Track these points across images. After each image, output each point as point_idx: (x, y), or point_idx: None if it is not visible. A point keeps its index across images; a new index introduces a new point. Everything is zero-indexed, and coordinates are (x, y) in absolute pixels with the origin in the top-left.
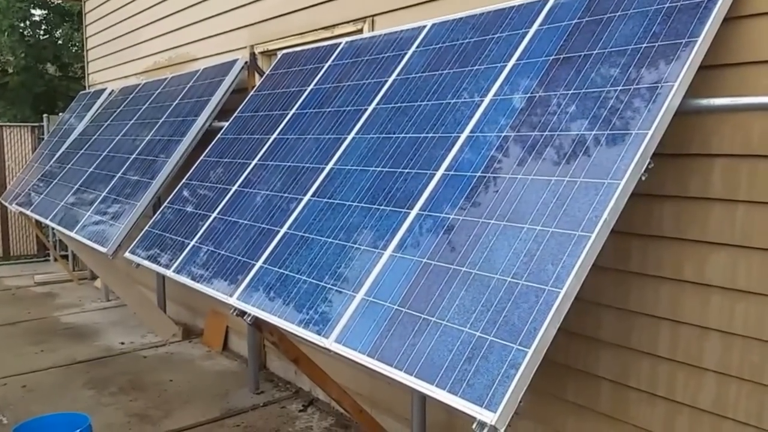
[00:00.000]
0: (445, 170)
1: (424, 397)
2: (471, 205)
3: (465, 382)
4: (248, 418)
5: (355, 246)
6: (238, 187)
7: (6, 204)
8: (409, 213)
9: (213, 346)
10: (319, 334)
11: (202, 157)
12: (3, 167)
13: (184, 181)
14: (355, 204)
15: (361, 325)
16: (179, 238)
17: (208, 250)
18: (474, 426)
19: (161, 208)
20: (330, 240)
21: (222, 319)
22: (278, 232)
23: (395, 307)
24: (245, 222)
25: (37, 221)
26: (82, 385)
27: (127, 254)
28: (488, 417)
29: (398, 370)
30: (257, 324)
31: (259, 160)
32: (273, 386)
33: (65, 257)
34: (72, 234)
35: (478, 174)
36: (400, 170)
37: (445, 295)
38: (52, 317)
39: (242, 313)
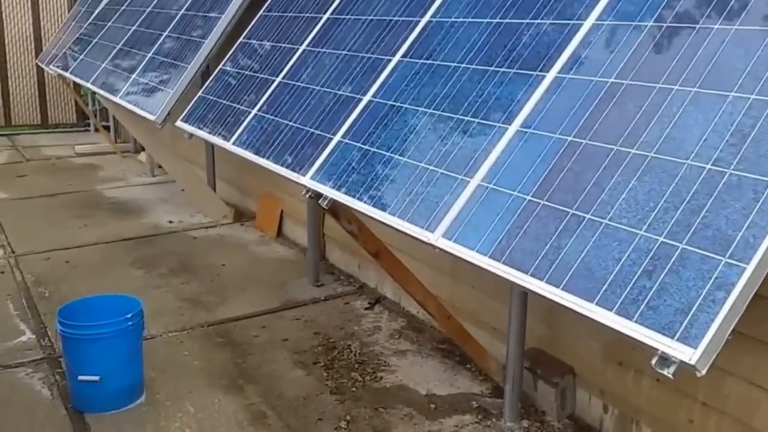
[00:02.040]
0: (598, 18)
1: (524, 307)
2: (641, 65)
3: (643, 303)
4: (308, 312)
5: (466, 119)
6: (308, 46)
7: (43, 66)
8: (544, 77)
9: (267, 232)
10: (423, 228)
11: (261, 12)
12: (38, 27)
13: (241, 40)
14: (463, 66)
15: (480, 219)
16: (239, 106)
17: (273, 120)
18: (654, 361)
19: (216, 72)
20: (429, 111)
21: (276, 202)
22: (360, 100)
23: (528, 198)
24: (318, 88)
25: (76, 87)
26: (129, 263)
27: (178, 123)
28: (683, 353)
29: (537, 279)
30: (335, 210)
31: (332, 13)
32: (334, 279)
33: (107, 127)
34: (116, 99)
35: (650, 23)
36: (528, 21)
37: (605, 185)
38: (94, 191)
39: (317, 195)
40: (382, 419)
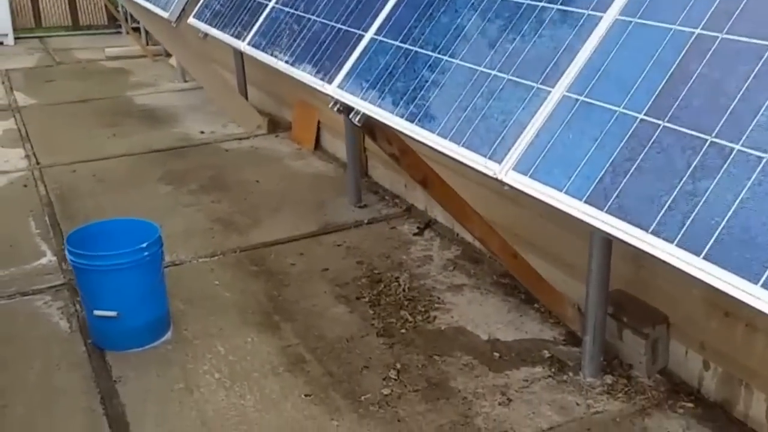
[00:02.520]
0: None
1: (609, 246)
2: None
3: None
4: (351, 237)
5: (541, 4)
6: None
7: None
8: None
9: (303, 144)
10: (485, 156)
11: None
12: None
13: None
14: None
15: (567, 146)
16: None
17: (293, 14)
18: None
19: None
20: None
21: (312, 112)
22: None
23: (639, 116)
24: None
25: None
26: (157, 178)
27: (190, 20)
28: None
29: (663, 240)
30: (369, 127)
31: None
32: (378, 199)
33: (137, 30)
34: None
35: None
36: None
37: (762, 101)
38: (124, 97)
39: (347, 109)
40: (437, 369)
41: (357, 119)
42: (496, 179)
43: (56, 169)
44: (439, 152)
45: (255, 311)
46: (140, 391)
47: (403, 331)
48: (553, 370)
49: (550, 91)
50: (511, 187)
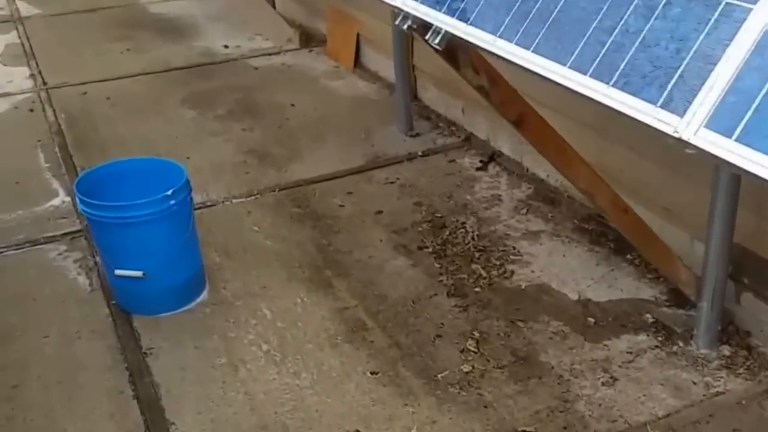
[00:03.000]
0: None
1: (735, 195)
2: None
3: None
4: (404, 173)
5: None
6: None
7: None
8: None
9: (341, 61)
10: (653, 104)
11: None
12: None
13: None
14: None
15: None
16: None
17: None
18: None
19: None
20: None
21: (351, 23)
22: None
23: None
24: None
25: None
26: (180, 101)
27: None
28: None
29: None
30: (452, 51)
31: None
32: (431, 127)
33: None
34: None
35: None
36: None
37: None
38: (138, 5)
39: (422, 26)
40: (523, 338)
41: (436, 40)
42: (678, 138)
43: (65, 91)
44: (581, 95)
45: (302, 264)
46: (175, 367)
47: (477, 289)
48: (659, 338)
49: (750, 9)
50: (702, 150)
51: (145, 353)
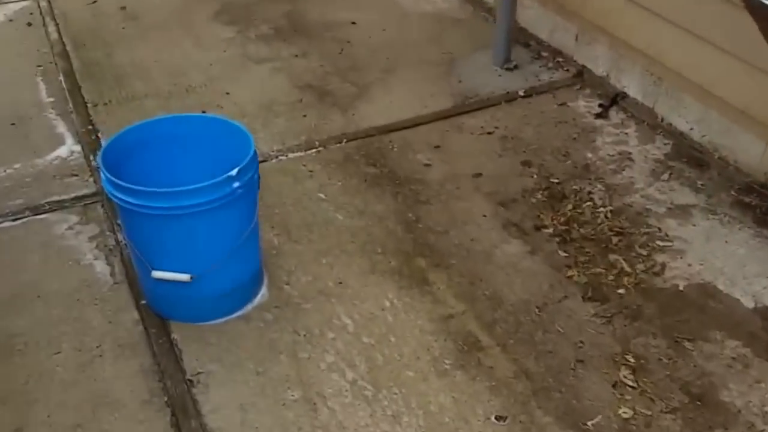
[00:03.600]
0: None
1: None
2: None
3: None
4: (503, 119)
5: None
6: None
7: None
8: None
9: None
10: None
11: None
12: None
13: None
14: None
15: None
16: None
17: None
18: None
19: None
20: None
21: None
22: None
23: None
24: None
25: None
26: (213, 15)
27: None
28: None
29: None
30: None
31: None
32: (531, 57)
33: None
34: None
35: None
36: None
37: None
38: None
39: None
40: (692, 366)
41: None
42: None
43: None
44: None
45: (386, 249)
46: (233, 403)
47: (620, 290)
48: None
49: None
50: None
51: (190, 381)
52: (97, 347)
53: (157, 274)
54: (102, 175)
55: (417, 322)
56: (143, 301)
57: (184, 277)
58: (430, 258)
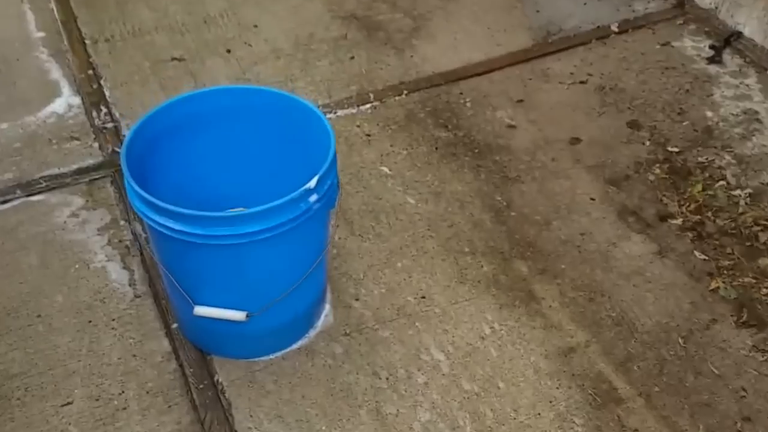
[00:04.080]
0: None
1: None
2: None
3: None
4: (597, 63)
5: None
6: None
7: None
8: None
9: None
10: None
11: None
12: None
13: None
14: None
15: None
16: None
17: None
18: None
19: None
20: None
21: None
22: None
23: None
24: None
25: None
26: None
27: None
28: None
29: None
30: None
31: None
32: None
33: None
34: None
35: None
36: None
37: None
38: None
39: None
40: None
41: None
42: None
43: None
44: None
45: (474, 246)
46: None
47: None
48: None
49: None
50: None
51: None
52: (120, 394)
53: (202, 310)
54: (127, 185)
55: (530, 359)
56: (175, 325)
57: (238, 315)
58: (533, 261)
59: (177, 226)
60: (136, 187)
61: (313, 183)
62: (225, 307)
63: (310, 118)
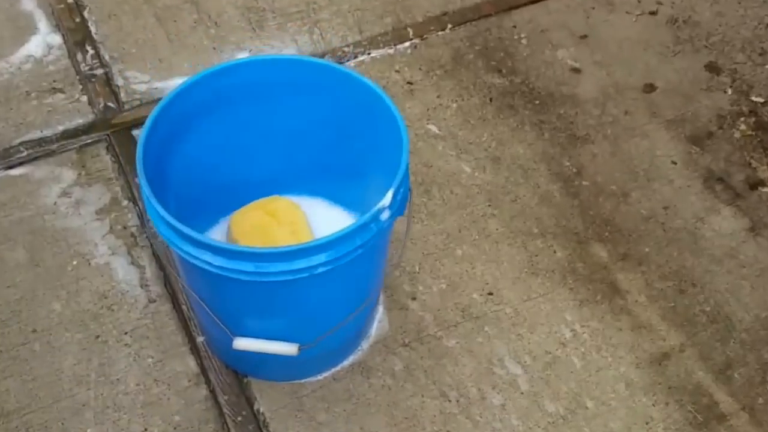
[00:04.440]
0: None
1: None
2: None
3: None
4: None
5: None
6: None
7: None
8: None
9: None
10: None
11: None
12: None
13: None
14: None
15: None
16: None
17: None
18: None
19: None
20: None
21: None
22: None
23: None
24: None
25: None
26: None
27: None
28: None
29: None
30: None
31: None
32: None
33: None
34: None
35: None
36: None
37: None
38: None
39: None
40: None
41: None
42: None
43: None
44: None
45: (544, 225)
46: None
47: None
48: None
49: None
50: None
51: None
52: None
53: (243, 343)
54: (147, 203)
55: (619, 369)
56: (201, 338)
57: (288, 349)
58: (612, 243)
59: (219, 262)
60: (162, 211)
61: (387, 200)
62: (271, 339)
63: (374, 103)
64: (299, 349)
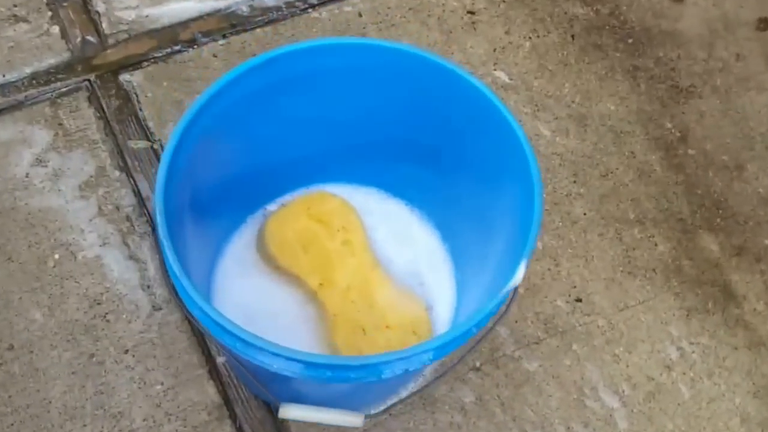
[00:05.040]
0: None
1: None
2: None
3: None
4: None
5: None
6: None
7: None
8: None
9: None
10: None
11: None
12: None
13: None
14: None
15: None
16: None
17: None
18: None
19: None
20: None
21: None
22: None
23: None
24: None
25: None
26: None
27: None
28: None
29: None
30: None
31: None
32: None
33: None
34: None
35: None
36: None
37: None
38: None
39: None
40: None
41: None
42: None
43: None
44: None
45: (641, 208)
46: None
47: None
48: None
49: None
50: None
51: None
52: None
53: (294, 413)
54: (174, 278)
55: (734, 401)
56: (221, 358)
57: (353, 420)
58: (725, 233)
59: (295, 369)
60: (200, 301)
61: (518, 278)
62: (328, 406)
63: (447, 77)
64: (366, 417)
